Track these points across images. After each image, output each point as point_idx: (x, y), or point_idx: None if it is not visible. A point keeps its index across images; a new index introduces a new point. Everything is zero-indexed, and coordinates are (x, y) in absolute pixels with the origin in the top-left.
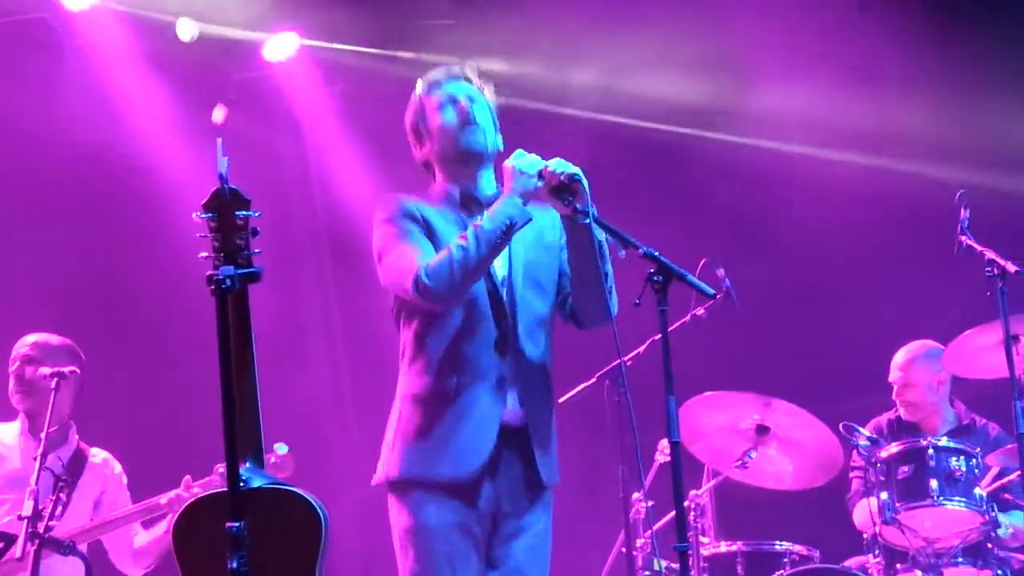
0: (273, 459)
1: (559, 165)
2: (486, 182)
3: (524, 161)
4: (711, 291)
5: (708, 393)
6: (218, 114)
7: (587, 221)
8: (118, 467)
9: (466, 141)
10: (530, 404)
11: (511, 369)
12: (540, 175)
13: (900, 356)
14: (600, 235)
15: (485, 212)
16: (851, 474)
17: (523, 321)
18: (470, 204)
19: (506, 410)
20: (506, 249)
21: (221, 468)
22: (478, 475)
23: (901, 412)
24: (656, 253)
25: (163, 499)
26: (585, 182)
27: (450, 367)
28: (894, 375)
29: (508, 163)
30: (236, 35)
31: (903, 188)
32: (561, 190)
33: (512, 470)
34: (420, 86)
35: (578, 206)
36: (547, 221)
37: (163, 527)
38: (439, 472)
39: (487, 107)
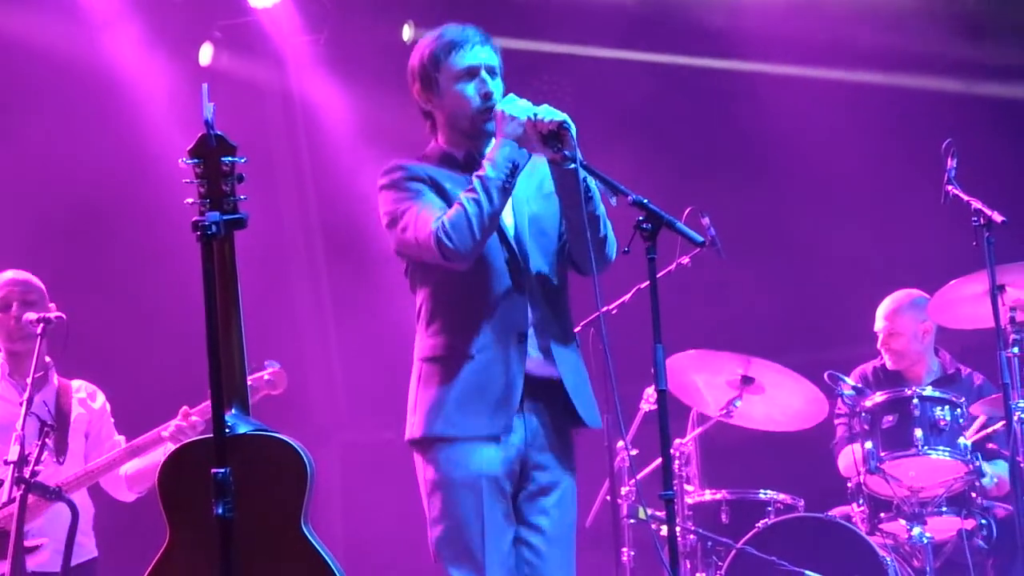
0: (266, 376)
1: (547, 112)
2: (488, 145)
3: (515, 107)
4: (700, 239)
5: (691, 351)
6: (204, 54)
7: (573, 167)
8: (101, 398)
9: (483, 122)
10: (557, 353)
11: (531, 321)
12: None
13: (886, 305)
14: (592, 182)
15: (484, 161)
16: (836, 421)
17: (536, 272)
18: (473, 165)
19: (530, 362)
20: (509, 203)
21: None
22: (505, 429)
23: (886, 361)
24: (645, 200)
25: (165, 432)
26: (573, 128)
27: (470, 324)
28: (879, 324)
29: (499, 108)
30: None
31: (886, 137)
32: (550, 137)
33: (539, 422)
34: (440, 37)
35: (566, 152)
36: (544, 170)
37: (160, 453)
38: (466, 428)
39: (501, 76)
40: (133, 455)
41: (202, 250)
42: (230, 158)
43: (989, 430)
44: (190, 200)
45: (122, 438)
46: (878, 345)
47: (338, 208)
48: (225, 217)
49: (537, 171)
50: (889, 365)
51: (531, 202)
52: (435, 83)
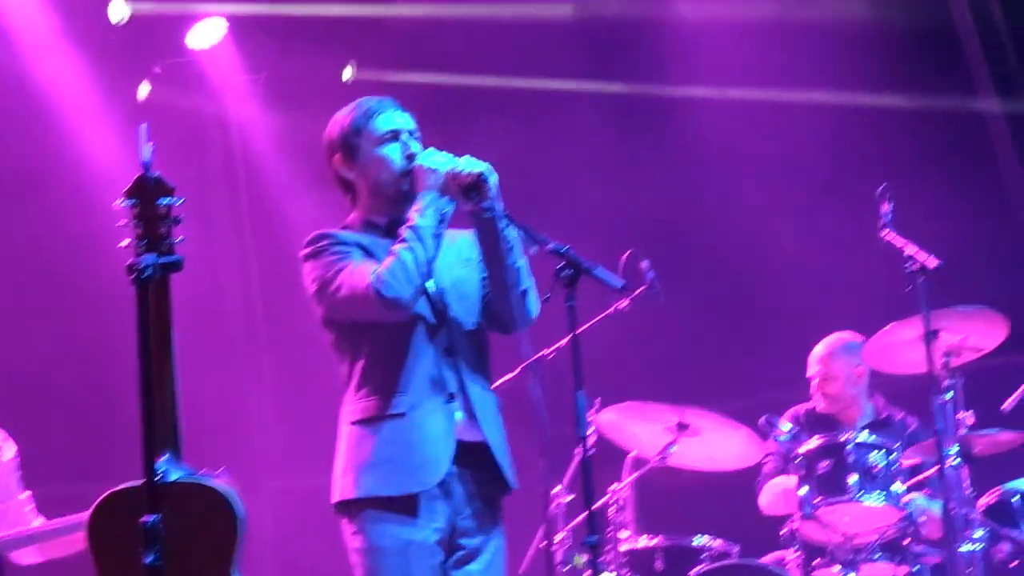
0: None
1: (467, 164)
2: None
3: (434, 160)
4: (618, 283)
5: (626, 403)
6: (143, 91)
7: (493, 216)
8: (12, 450)
9: (410, 186)
10: (482, 415)
11: (458, 383)
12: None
13: (819, 349)
14: (512, 232)
15: (411, 213)
16: (764, 458)
17: (461, 334)
18: (395, 232)
19: (458, 425)
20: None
21: None
22: (434, 493)
23: (819, 404)
24: (564, 248)
25: None
26: (493, 179)
27: (399, 387)
28: (813, 368)
29: (418, 162)
30: (166, 11)
31: (821, 180)
32: (470, 188)
33: (467, 486)
34: (358, 107)
35: (486, 202)
36: (463, 240)
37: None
38: (396, 490)
39: (419, 139)
40: (51, 537)
41: (137, 293)
42: (167, 200)
43: (922, 476)
44: (125, 242)
45: (28, 494)
46: (812, 389)
47: (277, 252)
48: (161, 260)
49: (457, 241)
50: (822, 408)
51: (452, 268)
52: (357, 150)
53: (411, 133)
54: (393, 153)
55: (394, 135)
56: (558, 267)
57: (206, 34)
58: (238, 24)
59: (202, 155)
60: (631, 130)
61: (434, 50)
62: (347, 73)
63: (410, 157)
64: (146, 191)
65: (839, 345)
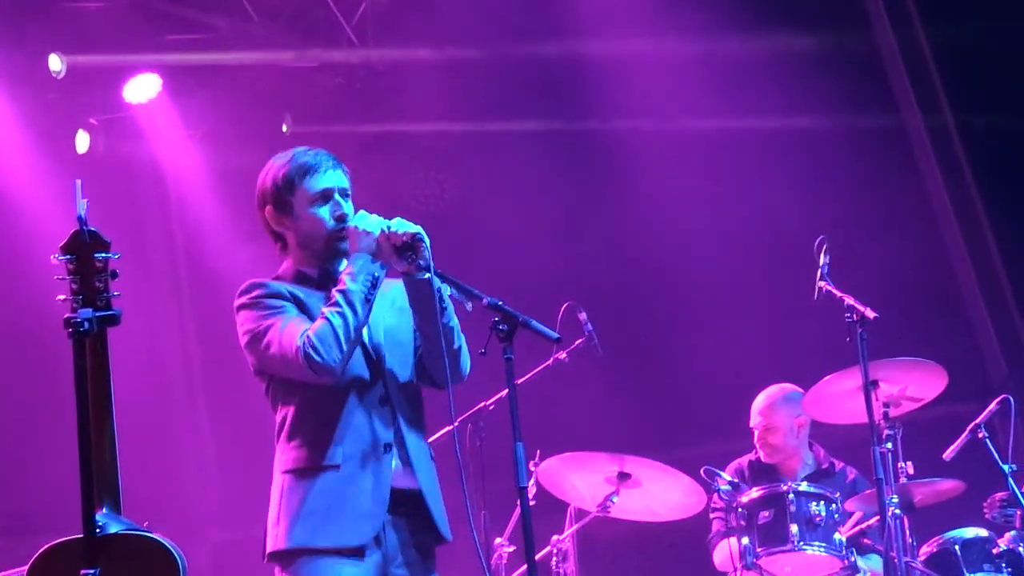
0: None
1: (400, 225)
2: (341, 264)
3: (367, 222)
4: (555, 335)
5: (566, 454)
6: (81, 141)
7: (428, 276)
8: None
9: (337, 243)
10: (417, 464)
11: (393, 433)
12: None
13: (760, 400)
14: (445, 292)
15: (343, 276)
16: (711, 515)
17: (396, 384)
18: (328, 283)
19: (393, 473)
20: None
21: None
22: (371, 542)
23: (761, 455)
24: (499, 302)
25: None
26: (427, 239)
27: (335, 437)
28: (755, 419)
29: (352, 224)
30: (101, 64)
31: (760, 232)
32: (403, 248)
33: (401, 535)
34: (292, 160)
35: (420, 263)
36: (396, 290)
37: None
38: (331, 542)
39: (351, 198)
40: None
41: (74, 347)
42: (103, 254)
43: (863, 525)
44: (62, 297)
45: None
46: (754, 440)
47: (213, 304)
48: (98, 314)
49: (390, 290)
50: (764, 459)
51: (386, 316)
52: (289, 206)
53: (343, 192)
54: (324, 214)
55: (325, 195)
56: (494, 321)
57: (141, 89)
58: (173, 79)
59: (139, 209)
60: (565, 174)
61: (366, 98)
62: (285, 126)
63: (340, 218)
64: (82, 246)
65: (780, 396)
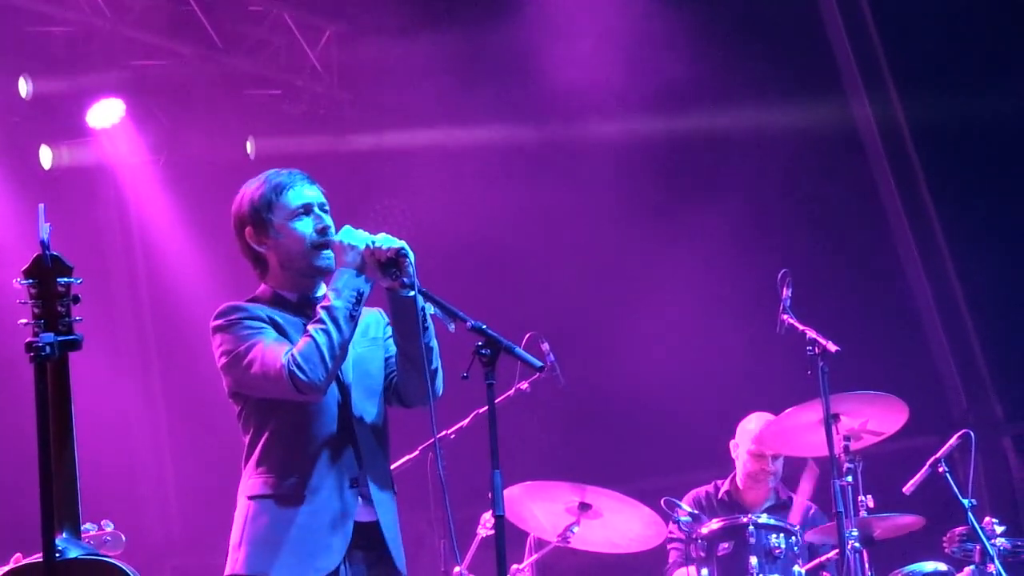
0: (107, 538)
1: (385, 240)
2: (320, 288)
3: (353, 236)
4: (539, 363)
5: (527, 483)
6: (45, 158)
7: (412, 294)
8: None
9: (322, 261)
10: (378, 496)
11: (358, 466)
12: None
13: (758, 424)
14: (428, 310)
15: (328, 292)
16: (669, 546)
17: (362, 414)
18: (306, 307)
19: (358, 508)
20: None
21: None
22: (331, 574)
23: (735, 483)
24: (483, 326)
25: None
26: (411, 255)
27: (303, 466)
28: (752, 445)
29: (337, 238)
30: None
31: (722, 264)
32: (388, 264)
33: (359, 568)
34: (267, 181)
35: (404, 280)
36: (371, 319)
37: None
38: (289, 572)
39: (329, 212)
40: None
41: (35, 371)
42: (66, 279)
43: (823, 558)
44: (24, 321)
45: None
46: (743, 463)
47: (176, 331)
48: (60, 338)
49: (364, 317)
50: (740, 486)
51: (356, 345)
52: (268, 224)
53: (322, 206)
54: (305, 228)
55: (306, 209)
56: (477, 345)
57: (105, 113)
58: (136, 104)
59: (102, 233)
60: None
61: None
62: (250, 147)
63: (323, 230)
64: (45, 270)
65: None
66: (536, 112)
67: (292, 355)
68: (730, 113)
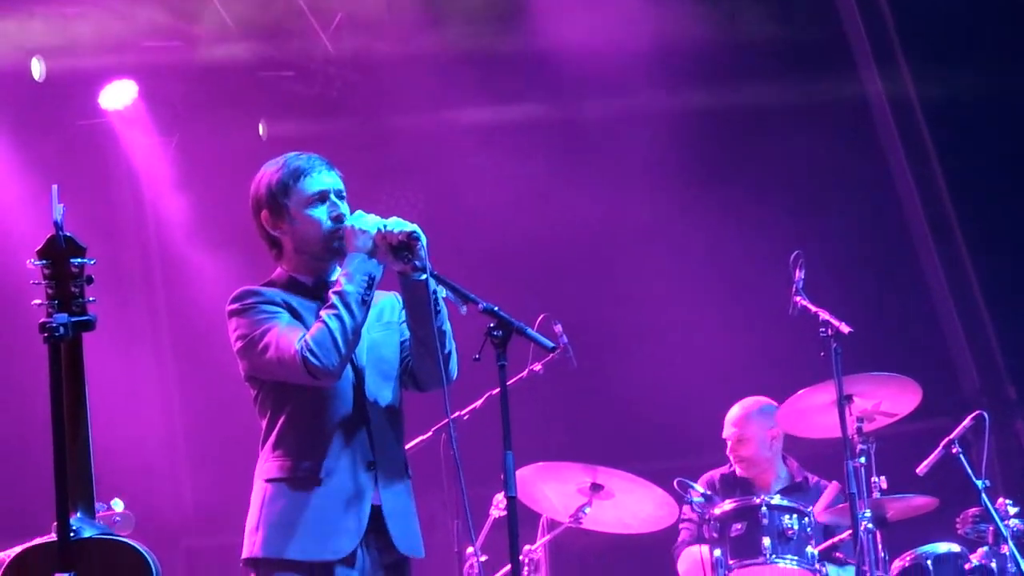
0: (117, 518)
1: (396, 224)
2: (336, 271)
3: (364, 221)
4: (551, 344)
5: (539, 463)
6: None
7: (424, 277)
8: None
9: (337, 244)
10: (390, 483)
11: (374, 450)
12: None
13: (734, 412)
14: (440, 293)
15: (340, 277)
16: (680, 525)
17: (377, 398)
18: (322, 291)
19: (373, 491)
20: None
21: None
22: (348, 558)
23: (736, 468)
24: (495, 308)
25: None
26: (423, 238)
27: (320, 449)
28: (728, 431)
29: (348, 223)
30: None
31: (736, 244)
32: (400, 248)
33: (374, 552)
34: (286, 165)
35: (416, 263)
36: (385, 303)
37: None
38: (305, 555)
39: (346, 200)
40: None
41: (49, 352)
42: (79, 260)
43: (836, 539)
44: (37, 301)
45: None
46: (727, 452)
47: (189, 311)
48: (73, 319)
49: (379, 302)
50: (738, 472)
51: (370, 329)
52: (285, 209)
53: (338, 194)
54: (320, 214)
55: (322, 196)
56: (489, 327)
57: (117, 95)
58: (149, 85)
59: (115, 214)
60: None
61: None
62: (263, 129)
63: (337, 218)
64: (58, 251)
65: (754, 408)
66: (551, 91)
67: (305, 341)
68: (738, 92)
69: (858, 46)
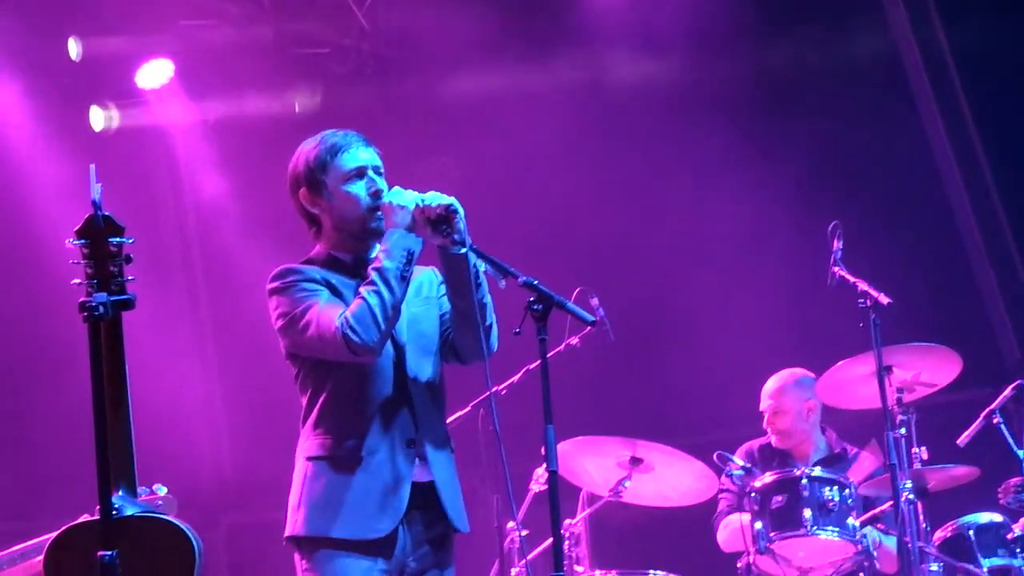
0: (160, 502)
1: (434, 198)
2: (374, 248)
3: (402, 197)
4: (591, 318)
5: (578, 438)
6: (96, 119)
7: (463, 251)
8: None
9: (376, 223)
10: (435, 456)
11: (416, 426)
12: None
13: (771, 384)
14: (480, 267)
15: (379, 253)
16: (719, 495)
17: (417, 374)
18: (361, 269)
19: (415, 469)
20: None
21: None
22: (390, 535)
23: (772, 439)
24: (535, 281)
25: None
26: (461, 211)
27: (361, 427)
28: (765, 403)
29: (386, 199)
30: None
31: (772, 216)
32: (438, 222)
33: (417, 528)
34: (323, 142)
35: (455, 236)
36: (424, 277)
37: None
38: (348, 533)
39: (383, 174)
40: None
41: (89, 331)
42: (118, 239)
43: (877, 510)
44: (77, 281)
45: None
46: (764, 424)
47: (228, 289)
48: (112, 298)
49: (417, 277)
50: (775, 443)
51: (410, 305)
52: (323, 186)
53: (376, 170)
54: (359, 190)
55: (359, 172)
56: (529, 301)
57: (154, 74)
58: (185, 64)
59: (153, 194)
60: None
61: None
62: (297, 106)
63: (376, 194)
64: (97, 230)
65: (790, 380)
66: (587, 61)
67: (346, 317)
68: (770, 53)
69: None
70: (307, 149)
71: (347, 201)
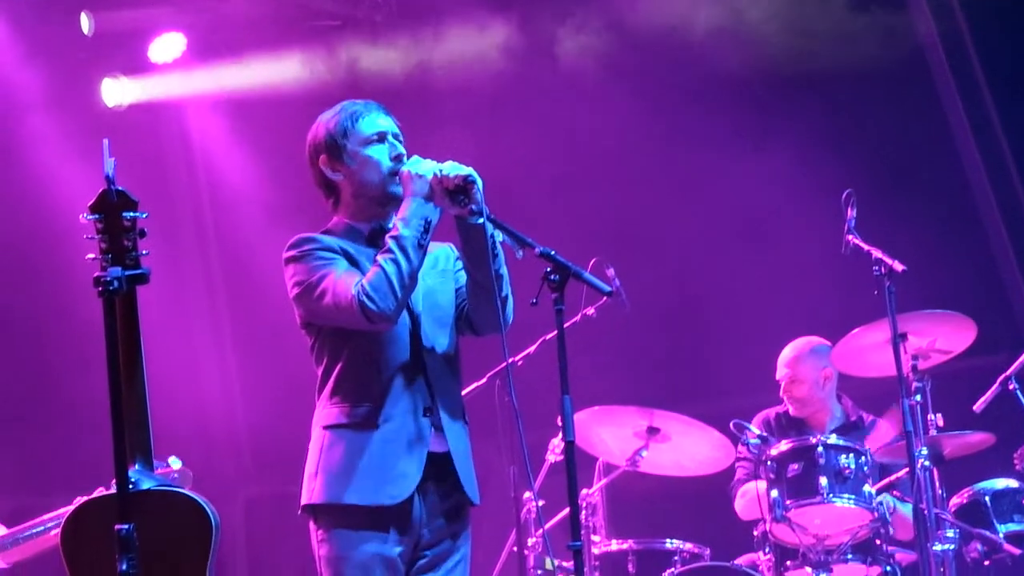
0: (175, 475)
1: (452, 168)
2: (392, 219)
3: (420, 166)
4: (608, 288)
5: (595, 408)
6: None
7: (480, 220)
8: None
9: (395, 188)
10: (449, 427)
11: (431, 396)
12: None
13: (787, 352)
14: (497, 238)
15: (396, 222)
16: (736, 464)
17: (434, 345)
18: (378, 239)
19: (431, 438)
20: None
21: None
22: (404, 504)
23: (789, 408)
24: (552, 252)
25: (56, 530)
26: (479, 182)
27: (375, 397)
28: (781, 372)
29: (405, 168)
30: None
31: (787, 185)
32: (456, 192)
33: (432, 498)
34: (343, 110)
35: (472, 207)
36: (440, 252)
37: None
38: (365, 500)
39: (403, 142)
40: (15, 544)
41: (104, 306)
42: (131, 213)
43: (893, 477)
44: (91, 256)
45: None
46: (780, 392)
47: (242, 260)
48: (127, 272)
49: (434, 251)
50: (792, 412)
51: (425, 277)
52: (343, 150)
53: (396, 136)
54: (380, 154)
55: (381, 137)
56: (546, 271)
57: (166, 48)
58: (197, 38)
59: (165, 168)
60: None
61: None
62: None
63: (397, 158)
64: (110, 205)
65: (806, 348)
66: (602, 30)
67: (362, 285)
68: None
69: None
70: (327, 118)
71: (368, 164)
